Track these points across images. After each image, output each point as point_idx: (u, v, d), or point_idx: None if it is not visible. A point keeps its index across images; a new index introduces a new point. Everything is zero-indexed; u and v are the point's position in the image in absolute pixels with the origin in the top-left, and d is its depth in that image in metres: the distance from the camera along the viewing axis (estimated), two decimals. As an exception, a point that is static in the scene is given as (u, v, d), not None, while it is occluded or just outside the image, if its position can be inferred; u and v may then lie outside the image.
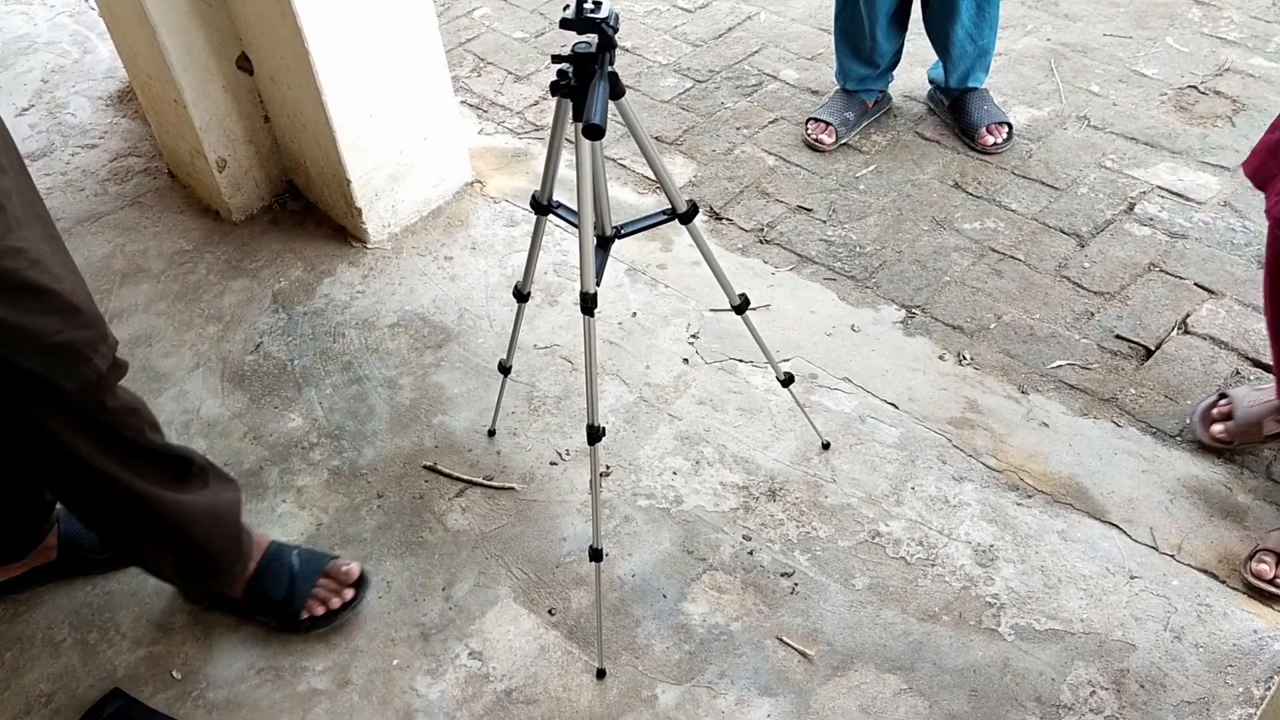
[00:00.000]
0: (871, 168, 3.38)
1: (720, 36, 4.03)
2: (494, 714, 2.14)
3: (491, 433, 2.66)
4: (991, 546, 2.35)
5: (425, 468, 2.60)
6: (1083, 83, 3.66)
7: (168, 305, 3.09)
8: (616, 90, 1.77)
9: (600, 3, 1.70)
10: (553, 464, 2.59)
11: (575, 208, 1.89)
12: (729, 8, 4.18)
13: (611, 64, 1.74)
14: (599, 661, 2.19)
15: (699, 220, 2.01)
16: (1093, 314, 2.84)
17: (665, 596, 2.31)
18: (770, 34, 4.02)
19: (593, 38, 1.72)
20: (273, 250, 3.24)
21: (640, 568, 2.36)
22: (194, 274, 3.19)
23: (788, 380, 2.43)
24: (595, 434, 1.99)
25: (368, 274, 3.13)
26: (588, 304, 1.86)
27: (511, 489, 2.54)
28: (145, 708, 2.20)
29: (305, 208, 3.38)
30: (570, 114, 1.82)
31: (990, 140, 3.35)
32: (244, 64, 3.11)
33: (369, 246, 3.20)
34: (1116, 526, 2.37)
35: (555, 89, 1.78)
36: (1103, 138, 3.41)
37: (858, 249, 3.10)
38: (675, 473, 2.54)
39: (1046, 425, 2.58)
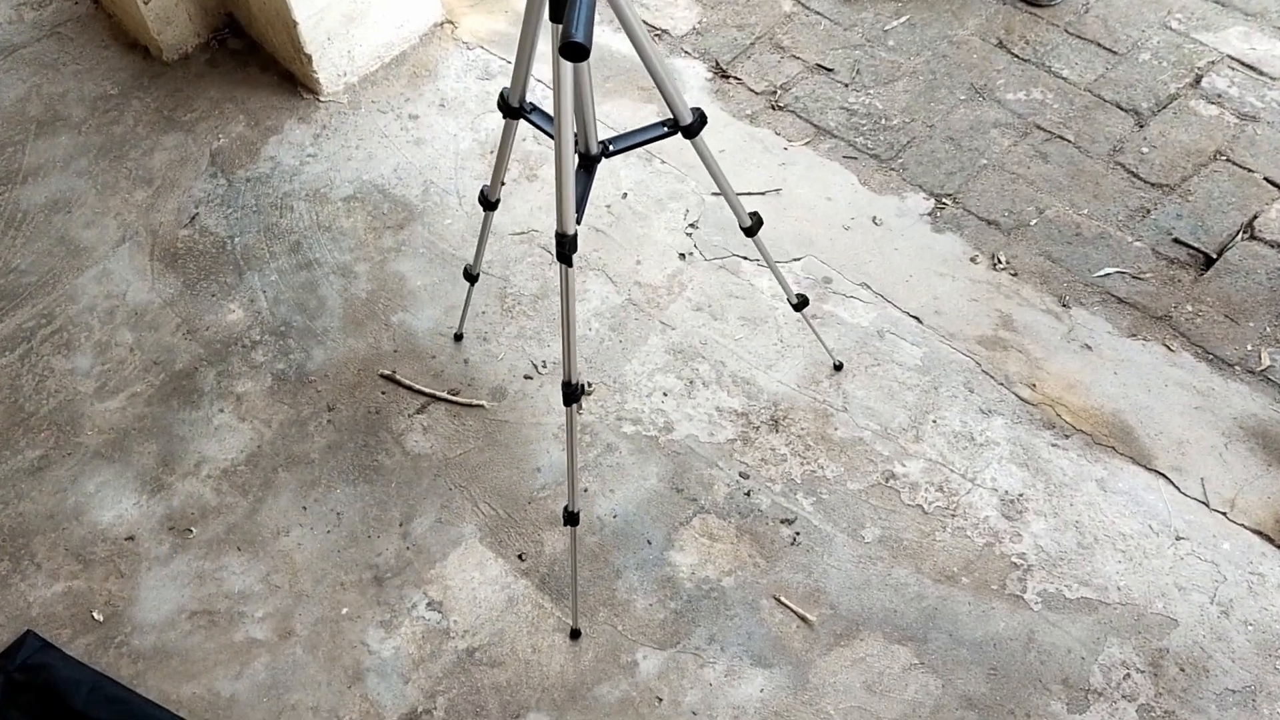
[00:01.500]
0: (904, 19, 2.92)
1: None
2: (454, 677, 1.91)
3: (458, 336, 2.33)
4: (1020, 496, 2.07)
5: (382, 376, 2.29)
6: (1152, -80, 3.16)
7: (89, 163, 2.69)
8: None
9: None
10: (527, 378, 2.28)
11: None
12: None
13: None
14: (573, 620, 1.94)
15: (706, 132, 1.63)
16: (1148, 210, 2.48)
17: (650, 543, 2.04)
18: None
19: None
20: (210, 99, 2.81)
21: (623, 507, 2.09)
22: (120, 124, 2.76)
23: (801, 303, 2.09)
24: (572, 393, 1.66)
25: (320, 133, 2.72)
26: (564, 248, 1.50)
27: (480, 406, 2.24)
28: (62, 655, 1.96)
29: (248, 47, 2.92)
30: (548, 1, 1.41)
31: (1043, -9, 2.89)
32: (167, -127, 2.59)
33: (321, 99, 2.77)
34: (1164, 476, 2.09)
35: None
36: (1171, -9, 2.95)
37: (883, 120, 2.69)
38: (666, 394, 2.24)
39: (1089, 348, 2.27)
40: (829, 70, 2.82)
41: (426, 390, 2.26)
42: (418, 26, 2.88)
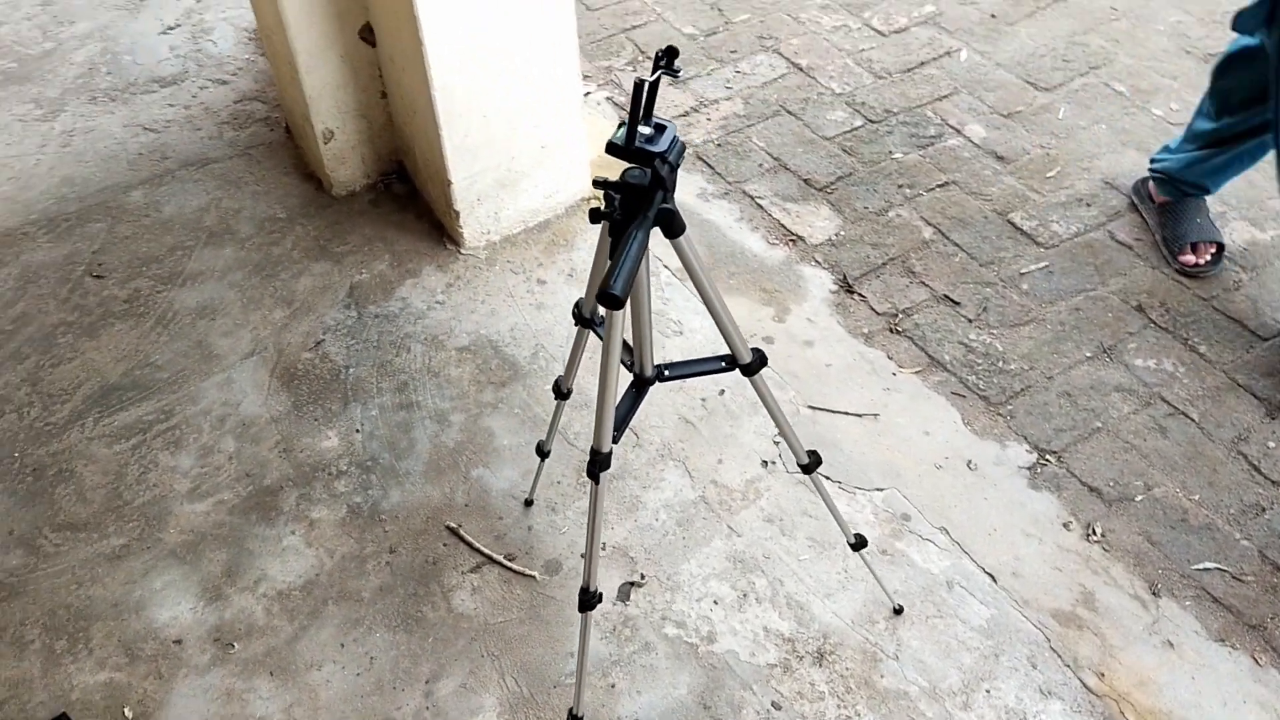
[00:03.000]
0: (1043, 265, 2.89)
1: (909, 71, 3.56)
2: None
3: (529, 503, 2.37)
4: (1066, 793, 1.92)
5: (448, 528, 2.33)
6: (1327, 203, 3.05)
7: (243, 277, 2.90)
8: (674, 228, 1.41)
9: (664, 127, 1.32)
10: (582, 556, 2.28)
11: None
12: (928, 38, 3.69)
13: (668, 202, 1.37)
14: (567, 824, 1.88)
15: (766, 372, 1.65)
16: (1264, 509, 2.32)
17: (664, 758, 1.98)
18: (968, 77, 3.52)
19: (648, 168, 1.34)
20: (364, 235, 3.01)
21: (646, 713, 2.04)
22: (279, 246, 2.99)
23: (859, 544, 2.04)
24: (588, 600, 1.66)
25: (453, 282, 2.86)
26: (596, 465, 1.52)
27: (531, 577, 2.25)
28: (85, 743, 2.03)
29: (410, 193, 3.13)
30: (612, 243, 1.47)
31: (1193, 260, 2.81)
32: (367, 35, 2.85)
33: (462, 251, 2.93)
34: (1230, 808, 1.90)
35: (595, 216, 1.42)
36: (1335, 280, 2.82)
37: (1000, 363, 2.64)
38: (717, 602, 2.20)
39: (1171, 645, 2.11)
40: (956, 303, 2.80)
41: (484, 550, 2.29)
42: (565, 198, 3.03)
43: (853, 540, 2.02)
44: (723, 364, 1.64)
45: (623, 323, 1.46)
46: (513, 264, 2.91)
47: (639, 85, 1.25)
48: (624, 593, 2.22)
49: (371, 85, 2.96)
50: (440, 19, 2.45)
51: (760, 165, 3.22)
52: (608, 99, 3.50)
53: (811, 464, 1.83)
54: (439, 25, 2.47)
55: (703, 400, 2.56)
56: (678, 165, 1.33)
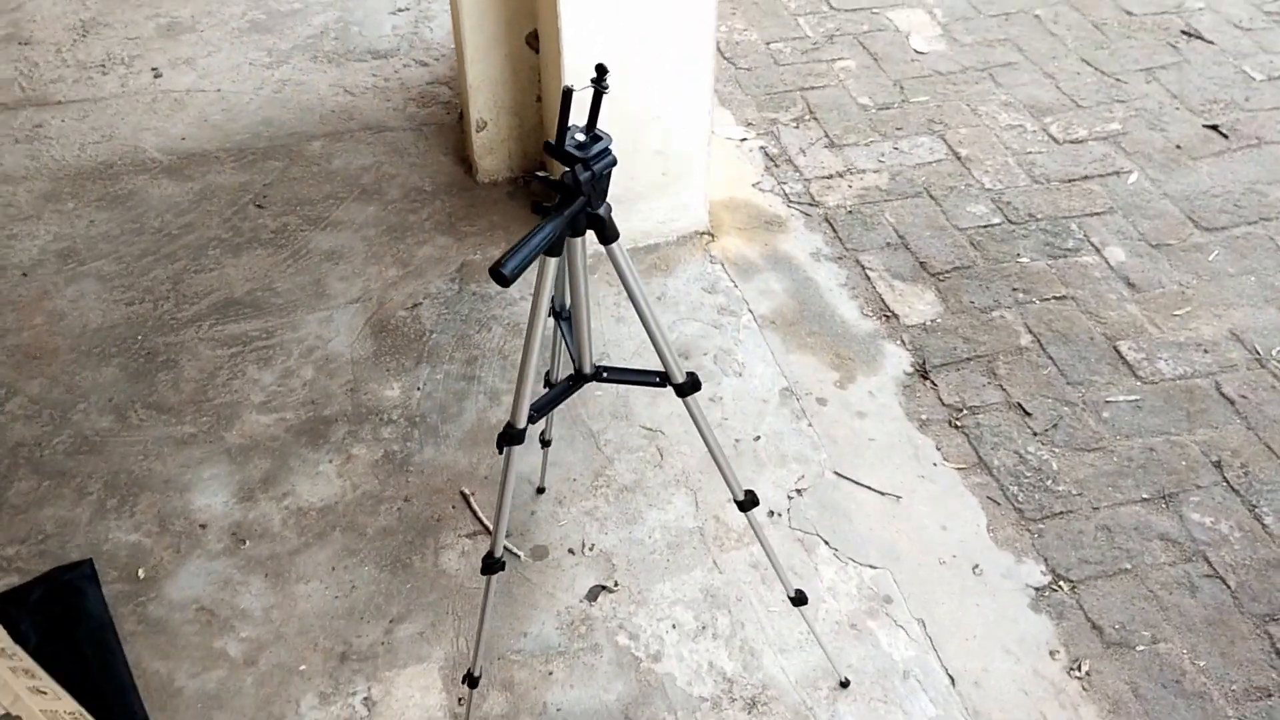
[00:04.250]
0: (1134, 397, 2.78)
1: (1069, 182, 3.49)
2: (339, 771, 2.03)
3: (540, 490, 2.50)
4: None
5: (461, 493, 2.50)
6: None
7: (376, 234, 3.19)
8: (605, 234, 1.52)
9: (599, 137, 1.43)
10: (570, 551, 2.39)
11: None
12: (1101, 154, 3.60)
13: (593, 207, 1.48)
14: (460, 779, 1.99)
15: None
16: (1270, 695, 2.17)
17: (570, 751, 2.06)
18: (1129, 200, 3.42)
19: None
20: (490, 221, 3.23)
21: (572, 709, 2.12)
22: (415, 215, 3.26)
23: (799, 599, 2.05)
24: (492, 565, 1.78)
25: (551, 281, 3.04)
26: (507, 438, 1.63)
27: (516, 556, 2.38)
28: (99, 592, 2.30)
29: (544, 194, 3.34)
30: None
31: (1294, 430, 2.64)
32: (532, 41, 3.09)
33: (569, 255, 3.10)
34: None
35: (535, 209, 1.55)
36: None
37: (1049, 481, 2.57)
38: (675, 626, 2.26)
39: (1119, 803, 2.01)
40: (1027, 413, 2.74)
41: (484, 521, 2.43)
42: (680, 228, 3.16)
43: (792, 594, 2.04)
44: (656, 379, 1.72)
45: (545, 309, 1.57)
46: (610, 277, 3.06)
47: (567, 92, 1.37)
48: (593, 594, 2.32)
49: (529, 87, 3.19)
50: (582, 44, 2.65)
51: (883, 239, 3.25)
52: (761, 148, 3.61)
53: (747, 503, 1.88)
54: (580, 48, 2.66)
55: (736, 441, 2.62)
56: (602, 174, 1.43)
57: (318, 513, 2.46)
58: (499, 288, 2.94)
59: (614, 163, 1.45)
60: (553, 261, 1.53)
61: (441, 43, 4.03)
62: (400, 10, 4.22)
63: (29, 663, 2.11)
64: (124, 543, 2.40)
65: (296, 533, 2.42)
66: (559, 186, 1.45)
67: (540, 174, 1.51)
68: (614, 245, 1.54)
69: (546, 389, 1.91)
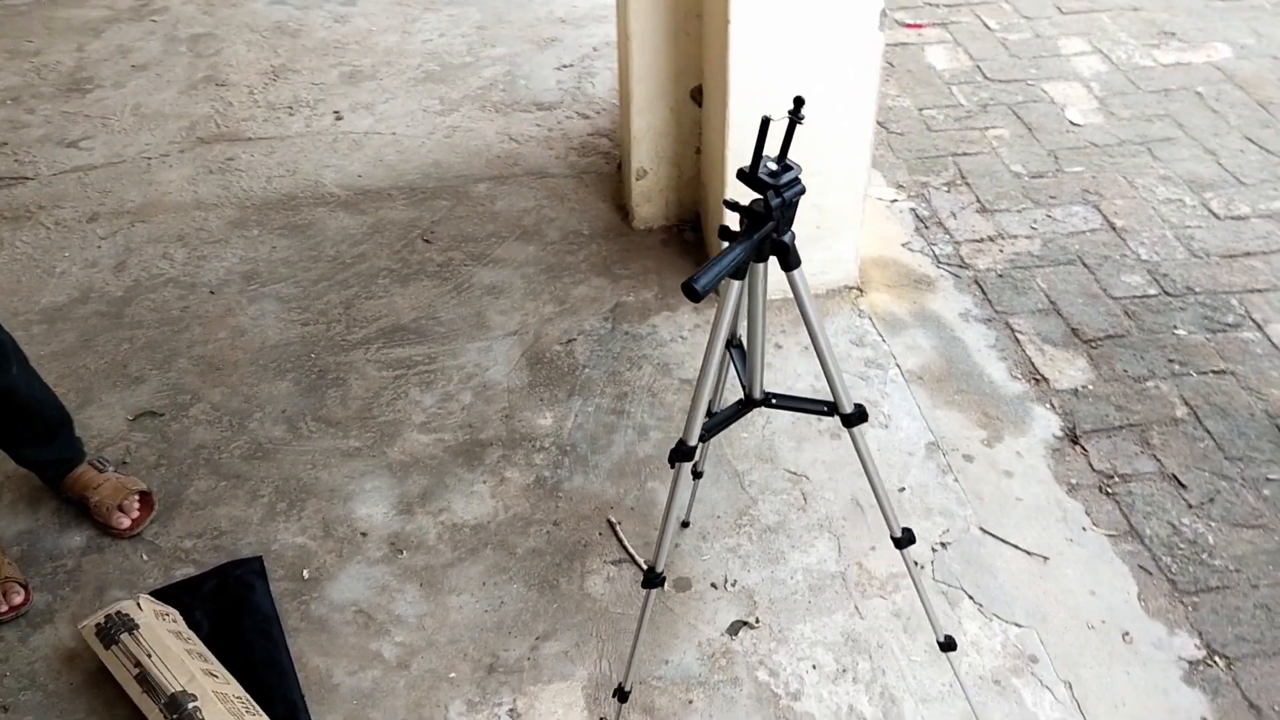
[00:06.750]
0: (1297, 476, 2.70)
1: (1230, 257, 3.42)
2: (483, 776, 2.09)
3: (685, 524, 2.55)
4: None
5: (608, 521, 2.57)
6: None
7: (535, 272, 3.33)
8: (788, 261, 1.59)
9: (789, 166, 1.50)
10: (712, 585, 2.43)
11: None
12: (1266, 231, 3.53)
13: (780, 233, 1.55)
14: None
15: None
16: None
17: (707, 778, 2.08)
18: (1293, 278, 3.34)
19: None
20: (644, 265, 3.34)
21: (709, 735, 2.15)
22: (573, 256, 3.39)
23: (947, 645, 2.05)
24: (653, 580, 1.83)
25: (701, 325, 3.12)
26: (679, 454, 1.70)
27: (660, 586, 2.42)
28: (266, 585, 2.43)
29: (697, 243, 3.44)
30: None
31: None
32: (696, 96, 3.21)
33: (720, 302, 3.18)
34: None
35: (722, 233, 1.62)
36: None
37: (1205, 555, 2.51)
38: (815, 666, 2.27)
39: None
40: (1182, 485, 2.69)
41: (630, 550, 2.49)
42: (829, 280, 3.22)
43: (941, 639, 2.04)
44: (824, 408, 1.77)
45: (725, 331, 1.64)
46: (760, 324, 3.12)
47: (765, 121, 1.45)
48: (734, 628, 2.35)
49: (690, 140, 3.31)
50: (749, 100, 2.75)
51: (1034, 304, 3.24)
52: (911, 210, 3.65)
53: (904, 539, 1.90)
54: (746, 104, 2.76)
55: (881, 490, 2.63)
56: (791, 202, 1.50)
57: (471, 530, 2.56)
58: (650, 328, 3.05)
59: (803, 191, 1.52)
60: (735, 285, 1.60)
61: (603, 98, 4.20)
62: (565, 66, 4.42)
63: (202, 647, 2.25)
64: (291, 544, 2.54)
65: (450, 547, 2.52)
66: (750, 212, 1.52)
67: (731, 201, 1.59)
68: (795, 272, 1.60)
69: (707, 417, 1.97)
